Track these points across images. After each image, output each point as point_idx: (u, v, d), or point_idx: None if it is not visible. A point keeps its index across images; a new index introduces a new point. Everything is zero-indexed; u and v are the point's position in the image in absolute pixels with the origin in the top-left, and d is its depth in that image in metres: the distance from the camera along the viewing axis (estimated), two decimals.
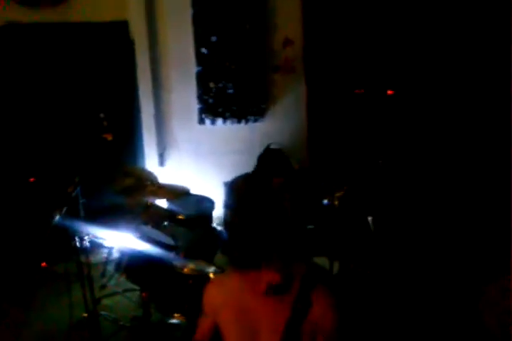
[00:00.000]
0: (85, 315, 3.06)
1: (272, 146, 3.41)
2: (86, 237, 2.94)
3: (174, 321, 2.97)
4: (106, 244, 3.37)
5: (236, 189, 3.49)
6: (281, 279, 1.77)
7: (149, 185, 3.32)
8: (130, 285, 3.27)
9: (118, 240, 3.13)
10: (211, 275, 2.86)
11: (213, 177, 4.57)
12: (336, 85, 4.68)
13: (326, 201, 3.32)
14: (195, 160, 4.77)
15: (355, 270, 3.41)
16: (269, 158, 3.35)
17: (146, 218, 3.43)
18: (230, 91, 4.59)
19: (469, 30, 4.15)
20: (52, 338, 3.30)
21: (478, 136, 4.19)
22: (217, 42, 4.47)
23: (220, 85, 4.56)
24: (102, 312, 3.29)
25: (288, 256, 1.80)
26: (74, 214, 2.87)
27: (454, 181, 4.31)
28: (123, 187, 3.31)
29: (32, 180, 3.66)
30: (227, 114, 4.66)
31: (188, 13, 4.42)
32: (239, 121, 4.72)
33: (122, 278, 3.18)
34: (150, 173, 3.51)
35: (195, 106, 4.66)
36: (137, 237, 3.03)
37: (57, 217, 2.65)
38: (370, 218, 3.49)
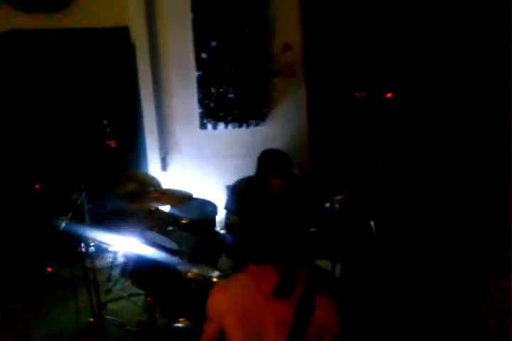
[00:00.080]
0: (91, 319, 3.07)
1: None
2: (92, 242, 2.95)
3: (179, 325, 2.98)
4: (111, 249, 3.39)
5: (238, 192, 3.50)
6: (283, 282, 1.79)
7: (152, 191, 3.32)
8: (135, 290, 3.28)
9: (123, 245, 3.13)
10: (215, 279, 2.88)
11: (216, 180, 4.60)
12: (335, 88, 4.70)
13: (327, 204, 3.34)
14: (197, 164, 4.78)
15: (357, 272, 3.41)
16: (268, 158, 3.37)
17: (151, 223, 3.44)
18: (231, 95, 4.61)
19: (469, 33, 4.15)
20: None
21: (479, 138, 4.20)
22: (217, 47, 4.49)
23: (221, 90, 4.57)
24: (108, 317, 3.31)
25: (291, 259, 1.81)
26: (79, 220, 2.90)
27: (454, 182, 4.32)
28: (126, 192, 3.31)
29: (37, 186, 3.69)
30: (229, 118, 4.68)
31: (188, 18, 4.44)
32: (240, 125, 4.74)
33: (127, 283, 3.22)
34: (153, 178, 3.50)
35: (196, 110, 4.67)
36: (142, 242, 3.04)
37: (63, 223, 2.67)
38: (372, 222, 3.51)
